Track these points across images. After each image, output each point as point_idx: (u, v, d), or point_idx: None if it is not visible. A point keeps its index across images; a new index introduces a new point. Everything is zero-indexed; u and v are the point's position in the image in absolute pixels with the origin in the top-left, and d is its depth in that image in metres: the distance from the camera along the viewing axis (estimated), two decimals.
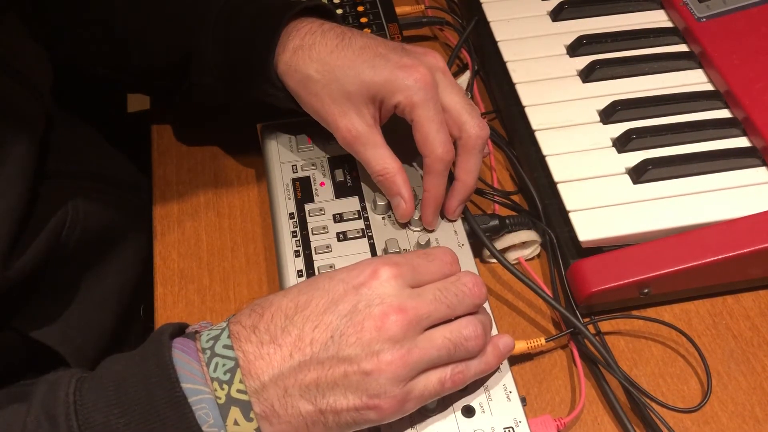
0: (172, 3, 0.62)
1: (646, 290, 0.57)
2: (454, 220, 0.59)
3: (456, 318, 0.46)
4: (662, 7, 0.76)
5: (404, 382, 0.43)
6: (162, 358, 0.42)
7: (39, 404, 0.42)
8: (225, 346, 0.42)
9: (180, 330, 0.45)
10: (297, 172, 0.61)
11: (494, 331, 0.52)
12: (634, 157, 0.63)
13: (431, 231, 0.58)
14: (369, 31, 0.74)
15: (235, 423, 0.41)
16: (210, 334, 0.44)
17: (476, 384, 0.50)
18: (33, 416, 0.42)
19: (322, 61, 0.56)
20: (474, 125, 0.56)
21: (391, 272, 0.45)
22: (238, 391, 0.41)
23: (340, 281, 0.44)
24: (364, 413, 0.43)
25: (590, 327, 0.58)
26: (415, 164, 0.61)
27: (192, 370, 0.42)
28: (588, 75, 0.70)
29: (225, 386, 0.41)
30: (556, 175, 0.62)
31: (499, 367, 0.50)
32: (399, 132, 0.58)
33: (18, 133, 0.56)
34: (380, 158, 0.56)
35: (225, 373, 0.42)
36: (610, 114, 0.66)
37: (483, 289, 0.48)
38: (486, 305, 0.53)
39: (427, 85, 0.54)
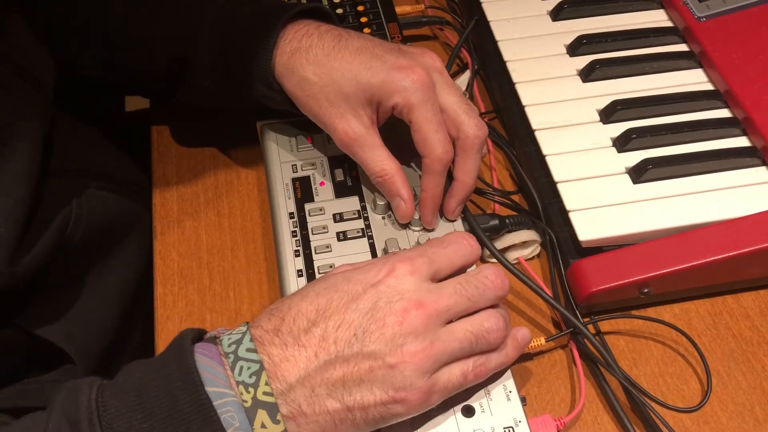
0: (169, 5, 0.62)
1: (646, 290, 0.57)
2: (454, 221, 0.59)
3: (478, 311, 0.47)
4: (662, 7, 0.76)
5: (429, 374, 0.44)
6: (185, 362, 0.42)
7: (60, 410, 0.42)
8: (249, 350, 0.43)
9: (199, 335, 0.46)
10: (297, 171, 0.61)
11: None
12: (634, 157, 0.63)
13: (431, 231, 0.58)
14: (369, 30, 0.74)
15: (263, 426, 0.41)
16: (231, 338, 0.44)
17: (476, 384, 0.50)
18: (54, 422, 0.41)
19: (319, 64, 0.56)
20: (472, 125, 0.56)
21: (408, 268, 0.45)
22: (265, 393, 0.42)
23: (358, 282, 0.45)
24: (391, 407, 0.43)
25: (590, 327, 0.58)
26: (413, 165, 0.61)
27: (216, 374, 0.42)
28: (588, 74, 0.70)
29: (251, 389, 0.42)
30: (556, 174, 0.62)
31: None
32: (397, 133, 0.58)
33: (23, 129, 0.57)
34: (378, 159, 0.56)
35: (250, 376, 0.42)
36: (610, 114, 0.66)
37: (505, 281, 0.48)
38: None
39: (424, 85, 0.54)
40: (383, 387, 0.43)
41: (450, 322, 0.46)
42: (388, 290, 0.44)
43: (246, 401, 0.41)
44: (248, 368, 0.42)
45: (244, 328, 0.45)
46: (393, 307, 0.44)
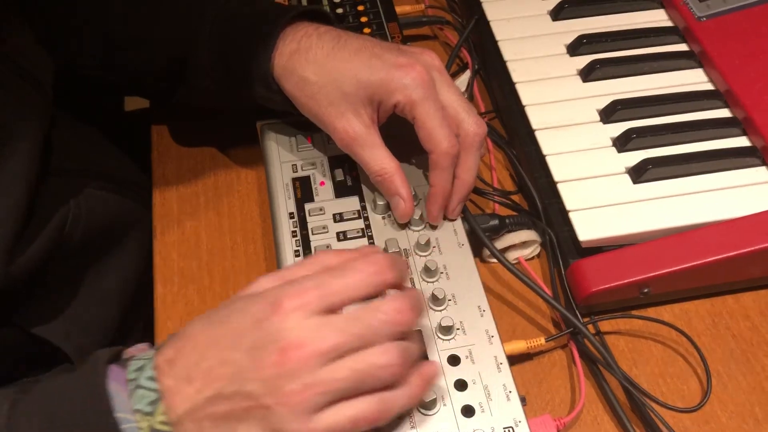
0: (169, 5, 0.62)
1: (645, 290, 0.57)
2: (454, 219, 0.59)
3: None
4: (662, 7, 0.76)
5: (307, 415, 0.42)
6: (97, 385, 0.42)
7: None
8: (149, 378, 0.43)
9: (117, 354, 0.45)
10: (297, 171, 0.61)
11: (493, 335, 0.52)
12: (634, 157, 0.63)
13: (434, 228, 0.58)
14: (369, 30, 0.74)
15: None
16: (137, 364, 0.44)
17: (476, 384, 0.50)
18: None
19: (319, 64, 0.56)
20: (472, 123, 0.56)
21: (295, 303, 0.43)
22: (161, 422, 0.42)
23: (248, 315, 0.44)
24: None
25: (590, 327, 0.58)
26: (413, 162, 0.61)
27: (121, 400, 0.42)
28: (588, 74, 0.70)
29: (148, 418, 0.42)
30: (556, 174, 0.62)
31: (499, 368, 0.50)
32: (396, 132, 0.57)
33: (23, 129, 0.57)
34: (378, 159, 0.56)
35: (148, 405, 0.42)
36: (610, 113, 0.66)
37: (408, 315, 0.44)
38: (486, 307, 0.53)
39: (424, 82, 0.54)
40: (261, 426, 0.42)
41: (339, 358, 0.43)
42: (271, 328, 0.43)
43: (142, 429, 0.42)
44: (146, 397, 0.42)
45: (150, 354, 0.44)
46: (272, 348, 0.42)
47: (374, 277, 0.45)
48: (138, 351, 0.46)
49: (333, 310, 0.44)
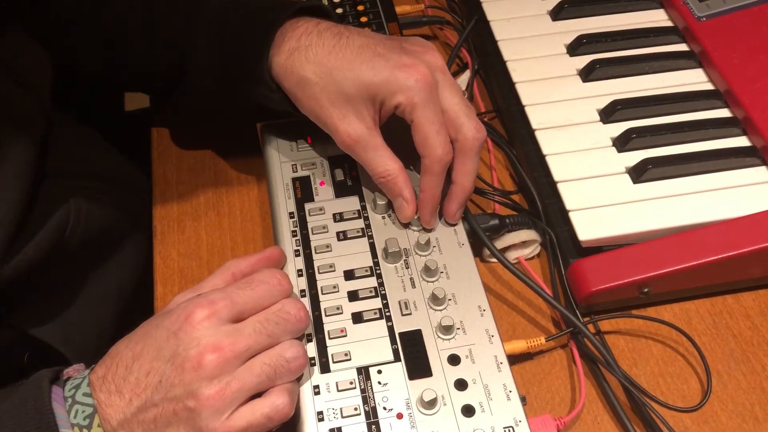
0: (167, 3, 0.62)
1: (645, 290, 0.57)
2: (455, 224, 0.58)
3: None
4: (662, 7, 0.76)
5: (227, 413, 0.45)
6: (42, 403, 0.45)
7: None
8: (84, 394, 0.46)
9: (56, 375, 0.48)
10: (297, 171, 0.61)
11: (493, 335, 0.52)
12: (634, 157, 0.63)
13: (430, 231, 0.58)
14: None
15: None
16: (73, 383, 0.47)
17: (476, 383, 0.50)
18: None
19: (320, 63, 0.55)
20: (472, 128, 0.56)
21: (205, 313, 0.47)
22: None
23: (164, 329, 0.47)
24: None
25: (590, 326, 0.58)
26: (415, 162, 0.61)
27: (61, 417, 0.45)
28: (588, 74, 0.70)
29: (85, 430, 0.45)
30: (556, 174, 0.62)
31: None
32: (396, 132, 0.57)
33: (17, 134, 0.56)
34: (381, 160, 0.55)
35: (84, 419, 0.45)
36: (610, 113, 0.66)
37: (305, 314, 0.49)
38: (486, 306, 0.53)
39: (427, 85, 0.54)
40: (187, 427, 0.45)
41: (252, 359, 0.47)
42: (186, 337, 0.46)
43: None
44: (83, 411, 0.45)
45: (86, 373, 0.48)
46: (189, 353, 0.45)
47: (278, 288, 0.50)
48: (74, 372, 0.49)
49: (240, 318, 0.48)
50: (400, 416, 0.48)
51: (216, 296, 0.48)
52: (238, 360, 0.46)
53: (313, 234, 0.57)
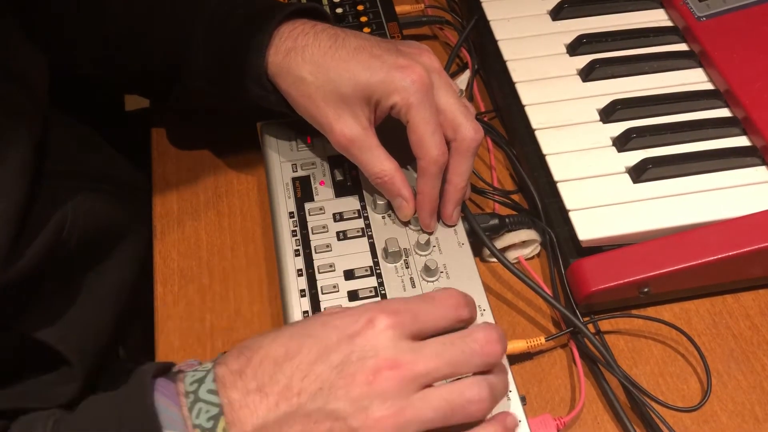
0: (164, 4, 0.62)
1: (645, 289, 0.57)
2: (454, 225, 0.58)
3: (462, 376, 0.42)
4: (662, 6, 0.76)
5: None
6: (144, 402, 0.40)
7: None
8: (209, 391, 0.40)
9: (164, 369, 0.43)
10: (297, 171, 0.61)
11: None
12: (634, 156, 0.63)
13: (430, 232, 0.58)
14: (368, 30, 0.74)
15: None
16: (195, 376, 0.41)
17: None
18: None
19: (316, 63, 0.55)
20: (469, 128, 0.56)
21: (389, 321, 0.41)
22: None
23: (334, 328, 0.41)
24: None
25: (590, 326, 0.58)
26: (410, 163, 0.61)
27: (172, 415, 0.39)
28: (588, 74, 0.70)
29: None
30: (556, 174, 0.62)
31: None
32: (391, 133, 0.57)
33: (15, 134, 0.56)
34: (378, 160, 0.55)
35: (208, 420, 0.39)
36: (610, 113, 0.66)
37: (497, 347, 0.43)
38: (486, 306, 0.53)
39: (423, 86, 0.54)
40: None
41: (428, 386, 0.41)
42: (363, 344, 0.40)
43: None
44: (207, 411, 0.39)
45: (209, 365, 0.42)
46: (365, 364, 0.40)
47: (454, 309, 0.44)
48: (187, 366, 0.43)
49: (421, 336, 0.42)
50: None
51: (398, 305, 0.42)
52: (414, 384, 0.40)
53: (313, 234, 0.57)
